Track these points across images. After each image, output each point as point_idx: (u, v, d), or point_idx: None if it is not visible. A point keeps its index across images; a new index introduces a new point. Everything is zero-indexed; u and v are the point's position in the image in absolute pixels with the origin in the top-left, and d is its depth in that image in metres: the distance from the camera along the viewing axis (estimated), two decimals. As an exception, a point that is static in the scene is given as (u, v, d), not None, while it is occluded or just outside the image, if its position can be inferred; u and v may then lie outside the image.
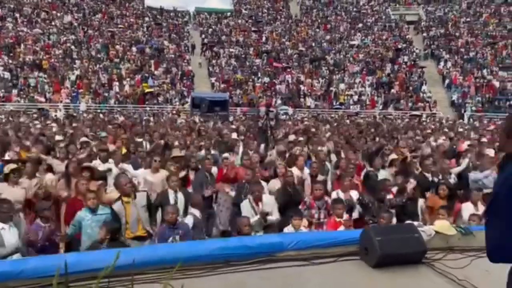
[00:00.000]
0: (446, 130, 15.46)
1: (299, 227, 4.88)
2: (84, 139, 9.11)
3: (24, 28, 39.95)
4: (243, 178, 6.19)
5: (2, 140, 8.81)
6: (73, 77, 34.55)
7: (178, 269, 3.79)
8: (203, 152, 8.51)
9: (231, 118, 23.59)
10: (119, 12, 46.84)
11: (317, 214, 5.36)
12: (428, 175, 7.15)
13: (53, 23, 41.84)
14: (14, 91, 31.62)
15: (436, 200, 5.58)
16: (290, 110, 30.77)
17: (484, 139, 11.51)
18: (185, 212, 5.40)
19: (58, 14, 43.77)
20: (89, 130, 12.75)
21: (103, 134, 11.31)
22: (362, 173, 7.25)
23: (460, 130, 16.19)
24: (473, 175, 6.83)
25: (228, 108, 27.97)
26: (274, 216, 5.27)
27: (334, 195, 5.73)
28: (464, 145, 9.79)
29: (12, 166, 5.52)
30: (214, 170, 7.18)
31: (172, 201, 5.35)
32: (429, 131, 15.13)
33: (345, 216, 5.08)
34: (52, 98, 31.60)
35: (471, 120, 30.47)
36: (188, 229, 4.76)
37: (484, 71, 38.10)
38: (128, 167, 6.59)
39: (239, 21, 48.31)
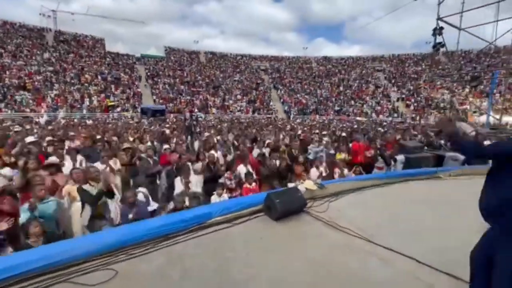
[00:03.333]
0: (287, 125, 15.52)
1: (221, 195, 3.74)
2: (49, 138, 6.39)
3: (10, 59, 29.85)
4: (177, 162, 4.71)
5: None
6: (52, 95, 27.10)
7: (122, 251, 2.38)
8: (148, 143, 6.67)
9: (167, 120, 21.00)
10: (87, 54, 38.12)
11: (232, 183, 4.21)
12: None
13: (32, 57, 32.01)
14: (2, 105, 23.48)
15: (298, 168, 4.85)
16: (203, 115, 28.95)
17: (306, 130, 11.64)
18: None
19: (38, 52, 33.68)
20: (62, 132, 9.47)
21: (72, 133, 8.40)
22: (253, 152, 6.17)
23: (293, 125, 16.48)
24: (314, 149, 6.34)
25: (165, 114, 25.17)
26: (199, 189, 3.97)
27: (241, 168, 4.63)
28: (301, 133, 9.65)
29: None
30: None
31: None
32: (279, 125, 15.13)
33: (254, 184, 4.06)
34: (36, 109, 24.35)
35: (293, 119, 32.30)
36: (142, 206, 3.27)
37: (298, 95, 40.94)
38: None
39: (170, 63, 43.60)
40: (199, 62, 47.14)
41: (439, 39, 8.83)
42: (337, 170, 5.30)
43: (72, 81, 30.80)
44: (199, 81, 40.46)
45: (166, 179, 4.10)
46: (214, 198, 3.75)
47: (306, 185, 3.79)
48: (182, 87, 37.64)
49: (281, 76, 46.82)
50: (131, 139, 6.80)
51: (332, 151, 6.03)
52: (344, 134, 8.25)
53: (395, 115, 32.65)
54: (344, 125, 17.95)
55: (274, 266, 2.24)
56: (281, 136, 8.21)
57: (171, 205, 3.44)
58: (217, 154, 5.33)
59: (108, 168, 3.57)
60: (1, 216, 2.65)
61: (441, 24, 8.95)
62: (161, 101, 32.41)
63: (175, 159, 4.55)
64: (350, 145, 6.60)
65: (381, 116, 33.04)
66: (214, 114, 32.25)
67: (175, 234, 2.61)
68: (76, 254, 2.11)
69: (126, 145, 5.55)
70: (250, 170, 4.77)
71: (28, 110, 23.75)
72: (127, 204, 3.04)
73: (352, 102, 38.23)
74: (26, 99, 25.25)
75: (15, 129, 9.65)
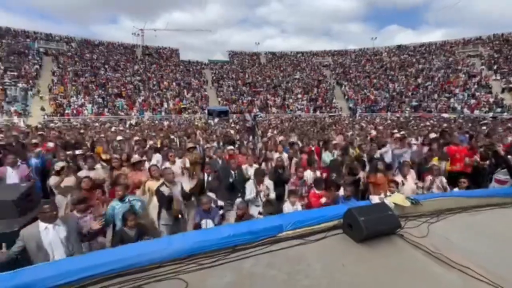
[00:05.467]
0: (356, 124, 13.85)
1: (294, 203, 3.39)
2: (136, 138, 7.26)
3: (111, 73, 36.80)
4: (243, 163, 4.57)
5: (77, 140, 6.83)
6: (140, 100, 32.10)
7: (193, 260, 2.29)
8: (214, 144, 6.83)
9: (230, 120, 22.07)
10: (165, 63, 43.72)
11: (298, 190, 3.81)
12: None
13: (126, 70, 38.61)
14: (105, 109, 29.12)
15: (377, 176, 4.06)
16: (263, 115, 29.42)
17: (380, 128, 10.18)
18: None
19: (130, 65, 40.44)
20: (146, 132, 10.87)
21: (153, 134, 9.52)
22: (323, 156, 5.51)
23: (362, 124, 14.71)
24: (396, 151, 5.26)
25: (228, 115, 26.70)
26: (272, 195, 3.70)
27: (308, 174, 4.16)
28: (373, 133, 8.41)
29: (61, 164, 3.72)
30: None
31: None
32: (346, 122, 13.78)
33: (323, 191, 3.57)
34: (128, 112, 29.32)
35: (359, 117, 29.51)
36: (217, 214, 3.14)
37: (365, 91, 37.25)
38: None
39: (233, 66, 45.98)
40: (260, 63, 48.12)
41: None
42: (429, 179, 4.25)
43: (154, 88, 35.77)
44: (260, 81, 41.30)
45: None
46: (287, 207, 3.41)
47: (394, 199, 3.07)
48: (244, 88, 39.16)
49: (345, 71, 43.51)
50: (201, 138, 7.12)
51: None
52: (433, 134, 6.70)
53: (498, 109, 25.99)
54: (428, 123, 15.12)
55: (365, 307, 1.75)
56: (351, 136, 7.31)
57: (234, 211, 3.29)
58: (285, 156, 5.00)
59: (179, 169, 3.67)
60: (92, 207, 2.96)
61: None
62: (224, 102, 34.46)
63: (242, 161, 4.42)
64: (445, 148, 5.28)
65: (476, 111, 26.84)
66: (274, 113, 32.32)
67: (243, 246, 2.39)
68: (149, 259, 2.09)
69: (190, 144, 5.76)
70: (319, 176, 4.26)
71: (122, 113, 28.74)
72: (202, 211, 2.97)
73: (435, 95, 32.35)
74: (122, 104, 30.59)
75: (111, 130, 11.61)
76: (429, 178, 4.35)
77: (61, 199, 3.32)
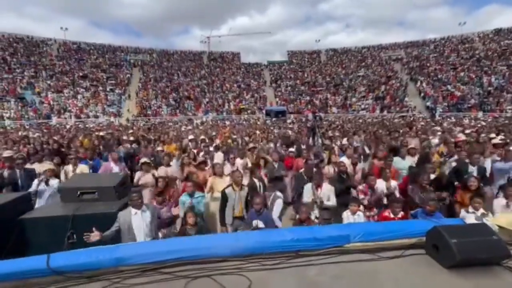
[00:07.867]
0: (436, 127, 11.64)
1: (355, 212, 3.09)
2: (202, 137, 7.91)
3: (182, 78, 41.34)
4: (301, 168, 4.42)
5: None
6: (205, 101, 35.02)
7: (255, 259, 2.32)
8: (271, 145, 6.83)
9: (288, 121, 21.97)
10: (227, 67, 46.56)
11: (366, 199, 3.45)
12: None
13: (194, 75, 42.72)
14: (177, 111, 32.90)
15: (465, 195, 3.33)
16: (322, 115, 28.19)
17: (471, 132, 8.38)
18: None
19: (198, 70, 44.58)
20: (209, 130, 11.78)
21: (214, 133, 10.14)
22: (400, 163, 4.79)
23: (449, 126, 12.40)
24: (498, 165, 4.21)
25: (286, 115, 26.65)
26: (331, 202, 3.44)
27: (381, 184, 3.68)
28: (461, 137, 6.97)
29: (143, 160, 4.28)
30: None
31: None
32: (421, 124, 11.86)
33: (400, 214, 3.05)
34: (195, 113, 32.37)
35: (440, 117, 25.16)
36: (269, 217, 3.04)
37: (448, 86, 31.59)
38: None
39: (291, 66, 45.63)
40: (320, 61, 46.35)
41: None
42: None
43: (217, 90, 38.52)
44: (319, 80, 39.78)
45: (295, 185, 3.90)
46: (346, 216, 3.14)
47: (499, 220, 2.46)
48: (302, 87, 38.41)
49: (421, 64, 37.83)
50: (260, 138, 7.25)
51: None
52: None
53: None
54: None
55: None
56: (435, 141, 6.28)
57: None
58: (347, 162, 4.63)
59: (237, 170, 3.77)
60: (167, 202, 3.32)
61: None
62: (282, 102, 34.46)
63: (301, 165, 4.30)
64: None
65: None
66: (334, 113, 30.61)
67: (306, 253, 2.29)
68: (214, 252, 2.21)
69: (251, 145, 5.88)
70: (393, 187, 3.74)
71: (190, 114, 31.96)
72: (254, 211, 2.99)
73: (555, 89, 25.00)
74: (190, 105, 34.03)
75: (182, 129, 13.00)
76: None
77: (144, 190, 3.87)
